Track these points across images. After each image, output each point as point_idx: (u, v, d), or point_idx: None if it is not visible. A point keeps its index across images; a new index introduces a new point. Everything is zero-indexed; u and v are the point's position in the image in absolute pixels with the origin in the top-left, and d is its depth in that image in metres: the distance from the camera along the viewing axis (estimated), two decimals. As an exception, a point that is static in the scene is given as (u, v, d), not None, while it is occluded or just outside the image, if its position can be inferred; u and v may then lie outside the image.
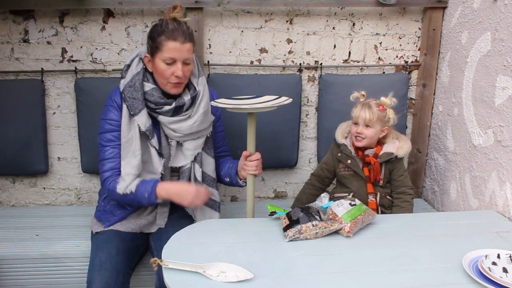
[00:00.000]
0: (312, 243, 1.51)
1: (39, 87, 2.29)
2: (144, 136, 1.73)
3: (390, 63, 2.49)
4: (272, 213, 1.67)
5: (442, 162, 2.38)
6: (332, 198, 1.86)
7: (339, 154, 2.01)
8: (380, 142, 2.00)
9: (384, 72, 2.50)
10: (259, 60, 2.41)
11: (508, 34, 1.82)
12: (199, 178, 1.83)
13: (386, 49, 2.47)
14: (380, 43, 2.46)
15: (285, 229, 1.54)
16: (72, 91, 2.32)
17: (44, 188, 2.47)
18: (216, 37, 2.36)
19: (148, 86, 1.73)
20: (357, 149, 1.98)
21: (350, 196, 1.93)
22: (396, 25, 2.44)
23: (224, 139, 2.00)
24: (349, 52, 2.46)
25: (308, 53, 2.43)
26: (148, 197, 1.69)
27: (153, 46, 1.67)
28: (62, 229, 2.12)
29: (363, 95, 1.97)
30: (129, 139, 1.71)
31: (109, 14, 2.28)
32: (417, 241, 1.55)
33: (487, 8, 1.97)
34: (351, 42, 2.44)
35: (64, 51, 2.30)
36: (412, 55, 2.49)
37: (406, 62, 2.49)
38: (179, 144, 1.81)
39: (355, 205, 1.62)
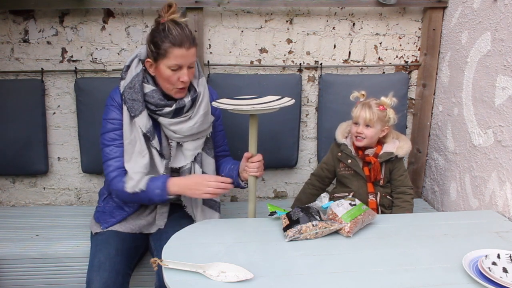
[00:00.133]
0: (312, 243, 1.51)
1: (39, 87, 2.29)
2: (144, 137, 1.72)
3: (390, 63, 2.49)
4: (272, 213, 1.67)
5: (442, 162, 2.38)
6: (332, 198, 1.86)
7: (339, 154, 2.01)
8: (380, 142, 2.00)
9: (384, 72, 2.50)
10: (259, 60, 2.41)
11: (508, 34, 1.82)
12: (199, 178, 1.83)
13: (386, 49, 2.47)
14: (380, 43, 2.46)
15: (285, 229, 1.54)
16: (72, 91, 2.32)
17: (44, 188, 2.47)
18: (216, 37, 2.36)
19: (148, 87, 1.72)
20: (357, 148, 1.98)
21: (350, 196, 1.93)
22: (396, 25, 2.44)
23: (224, 138, 2.00)
24: (349, 52, 2.46)
25: (308, 53, 2.43)
26: (160, 193, 1.67)
27: (157, 52, 1.64)
28: (62, 229, 2.12)
29: (363, 95, 1.97)
30: (132, 140, 1.70)
31: (109, 14, 2.28)
32: (417, 241, 1.55)
33: (487, 8, 1.97)
34: (351, 42, 2.44)
35: (64, 51, 2.30)
36: (412, 55, 2.49)
37: (406, 62, 2.49)
38: (179, 145, 1.81)
39: (355, 205, 1.62)
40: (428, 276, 1.34)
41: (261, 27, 2.37)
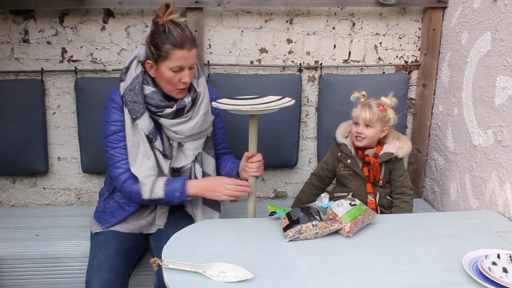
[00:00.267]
0: (312, 243, 1.51)
1: (39, 87, 2.29)
2: (147, 139, 1.72)
3: (390, 63, 2.49)
4: (272, 213, 1.67)
5: (442, 162, 2.38)
6: (331, 198, 1.86)
7: (339, 154, 2.01)
8: (380, 142, 2.00)
9: (384, 72, 2.50)
10: (259, 60, 2.41)
11: (508, 34, 1.82)
12: (200, 178, 1.83)
13: (386, 49, 2.47)
14: (380, 43, 2.46)
15: (285, 229, 1.54)
16: (72, 91, 2.32)
17: (44, 188, 2.47)
18: (216, 37, 2.36)
19: (148, 89, 1.71)
20: (357, 148, 1.98)
21: (350, 196, 1.93)
22: (396, 25, 2.44)
23: (224, 135, 1.99)
24: (349, 52, 2.46)
25: (308, 53, 2.43)
26: (179, 196, 1.70)
27: (158, 54, 1.64)
28: (62, 229, 2.12)
29: (364, 95, 1.97)
30: (135, 143, 1.70)
31: (109, 14, 2.28)
32: (417, 241, 1.55)
33: (487, 8, 1.97)
34: (351, 42, 2.44)
35: (64, 51, 2.30)
36: (412, 55, 2.50)
37: (406, 62, 2.49)
38: (180, 145, 1.81)
39: (355, 205, 1.62)
40: (428, 276, 1.34)
41: (261, 27, 2.37)
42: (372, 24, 2.42)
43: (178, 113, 1.73)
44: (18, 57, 2.29)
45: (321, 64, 2.43)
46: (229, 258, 1.39)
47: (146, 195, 1.68)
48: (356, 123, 1.95)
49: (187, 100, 1.74)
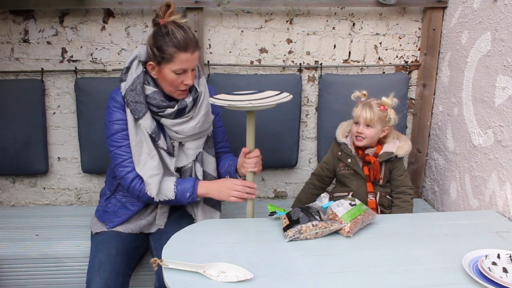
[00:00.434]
0: (312, 243, 1.51)
1: (39, 87, 2.29)
2: (151, 139, 1.72)
3: (390, 63, 2.49)
4: (272, 213, 1.67)
5: (442, 162, 2.38)
6: (332, 198, 1.87)
7: (339, 153, 2.01)
8: (380, 141, 2.00)
9: (384, 72, 2.50)
10: (259, 60, 2.41)
11: (508, 34, 1.82)
12: (200, 177, 1.83)
13: (386, 49, 2.47)
14: (380, 43, 2.46)
15: (285, 229, 1.54)
16: (72, 91, 2.32)
17: (44, 188, 2.47)
18: (216, 37, 2.36)
19: (150, 89, 1.71)
20: (357, 148, 1.98)
21: (350, 196, 1.93)
22: (396, 25, 2.44)
23: (224, 134, 1.99)
24: (349, 52, 2.46)
25: (308, 53, 2.43)
26: (189, 196, 1.72)
27: (162, 56, 1.63)
28: (62, 229, 2.12)
29: (364, 94, 1.97)
30: (138, 142, 1.70)
31: (109, 14, 2.28)
32: (417, 241, 1.55)
33: (487, 8, 1.97)
34: (351, 42, 2.44)
35: (64, 51, 2.30)
36: (412, 55, 2.50)
37: (406, 62, 2.49)
38: (181, 144, 1.81)
39: (355, 205, 1.62)
40: (428, 276, 1.34)
41: (261, 27, 2.37)
42: (372, 24, 2.42)
43: (179, 113, 1.73)
44: (18, 57, 2.29)
45: (321, 64, 2.43)
46: (229, 258, 1.39)
47: (153, 194, 1.68)
48: (357, 123, 1.95)
49: (188, 100, 1.74)
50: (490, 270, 1.31)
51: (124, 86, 1.71)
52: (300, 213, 1.55)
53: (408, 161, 2.60)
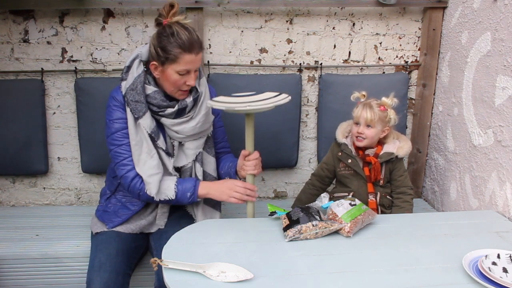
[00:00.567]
0: (312, 243, 1.51)
1: (39, 87, 2.29)
2: (150, 138, 1.72)
3: (390, 63, 2.49)
4: (272, 213, 1.67)
5: (442, 162, 2.38)
6: (332, 198, 1.86)
7: (340, 153, 2.01)
8: (381, 142, 2.00)
9: (384, 72, 2.50)
10: (259, 60, 2.41)
11: (508, 34, 1.82)
12: (200, 177, 1.83)
13: (386, 49, 2.47)
14: (380, 43, 2.46)
15: (285, 229, 1.54)
16: (72, 91, 2.32)
17: (44, 188, 2.47)
18: (216, 37, 2.36)
19: (150, 89, 1.71)
20: (357, 148, 1.98)
21: (350, 196, 1.93)
22: (396, 25, 2.44)
23: (224, 134, 1.99)
24: (349, 52, 2.46)
25: (308, 53, 2.43)
26: (190, 196, 1.72)
27: (166, 56, 1.63)
28: (62, 229, 2.12)
29: (364, 95, 1.97)
30: (138, 142, 1.70)
31: (109, 14, 2.28)
32: (417, 241, 1.55)
33: (487, 8, 1.97)
34: (351, 42, 2.44)
35: (64, 51, 2.30)
36: (412, 55, 2.50)
37: (406, 62, 2.49)
38: (181, 144, 1.81)
39: (355, 205, 1.62)
40: (428, 276, 1.34)
41: (261, 27, 2.37)
42: (372, 24, 2.42)
43: (179, 113, 1.73)
44: (18, 57, 2.29)
45: (321, 64, 2.43)
46: (229, 258, 1.39)
47: (152, 194, 1.68)
48: (357, 123, 1.95)
49: (189, 100, 1.74)
50: (490, 270, 1.31)
51: (124, 85, 1.71)
52: (300, 213, 1.55)
53: (408, 161, 2.61)
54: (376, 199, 1.96)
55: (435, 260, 1.42)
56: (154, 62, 1.68)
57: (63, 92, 2.35)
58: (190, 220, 1.85)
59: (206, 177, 1.86)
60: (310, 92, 2.48)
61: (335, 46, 2.44)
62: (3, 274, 1.88)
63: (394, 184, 2.00)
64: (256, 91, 1.81)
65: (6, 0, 2.16)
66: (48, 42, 2.29)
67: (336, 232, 1.58)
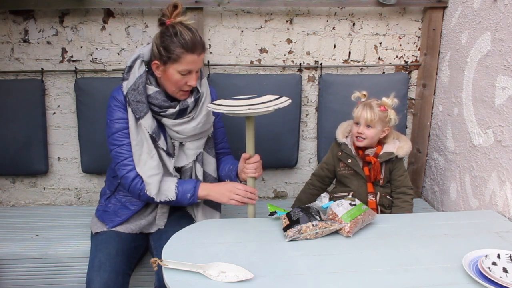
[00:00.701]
0: (312, 243, 1.51)
1: (39, 87, 2.29)
2: (151, 138, 1.72)
3: (390, 63, 2.49)
4: (272, 213, 1.67)
5: (442, 162, 2.38)
6: (332, 198, 1.86)
7: (340, 153, 2.01)
8: (381, 142, 2.00)
9: (384, 72, 2.50)
10: (259, 60, 2.41)
11: (508, 34, 1.82)
12: (200, 177, 1.83)
13: (386, 49, 2.47)
14: (380, 43, 2.46)
15: (285, 229, 1.54)
16: (72, 91, 2.32)
17: (44, 188, 2.47)
18: (216, 37, 2.36)
19: (152, 89, 1.71)
20: (357, 148, 1.98)
21: (350, 196, 1.93)
22: (396, 25, 2.44)
23: (224, 135, 1.99)
24: (349, 52, 2.46)
25: (308, 53, 2.43)
26: (190, 197, 1.72)
27: (168, 56, 1.63)
28: (62, 229, 2.12)
29: (365, 95, 1.97)
30: (139, 142, 1.70)
31: (109, 14, 2.28)
32: (417, 241, 1.55)
33: (487, 8, 1.97)
34: (351, 42, 2.44)
35: (64, 51, 2.31)
36: (412, 55, 2.50)
37: (406, 62, 2.49)
38: (181, 144, 1.81)
39: (355, 205, 1.62)
40: (428, 276, 1.34)
41: (261, 27, 2.37)
42: (372, 24, 2.42)
43: (180, 114, 1.73)
44: (18, 57, 2.29)
45: (321, 64, 2.43)
46: (229, 258, 1.39)
47: (152, 194, 1.68)
48: (357, 123, 1.95)
49: (190, 100, 1.74)
50: (490, 270, 1.31)
51: (126, 85, 1.71)
52: (300, 213, 1.55)
53: (408, 161, 2.61)
54: (376, 199, 1.96)
55: (435, 260, 1.42)
56: (156, 61, 1.68)
57: (63, 92, 2.35)
58: (190, 220, 1.85)
59: (206, 177, 1.86)
60: (310, 92, 2.48)
61: (335, 46, 2.44)
62: (3, 274, 1.88)
63: (394, 184, 2.00)
64: (256, 92, 1.82)
65: (6, 0, 2.16)
66: (48, 42, 2.29)
67: (336, 232, 1.58)
